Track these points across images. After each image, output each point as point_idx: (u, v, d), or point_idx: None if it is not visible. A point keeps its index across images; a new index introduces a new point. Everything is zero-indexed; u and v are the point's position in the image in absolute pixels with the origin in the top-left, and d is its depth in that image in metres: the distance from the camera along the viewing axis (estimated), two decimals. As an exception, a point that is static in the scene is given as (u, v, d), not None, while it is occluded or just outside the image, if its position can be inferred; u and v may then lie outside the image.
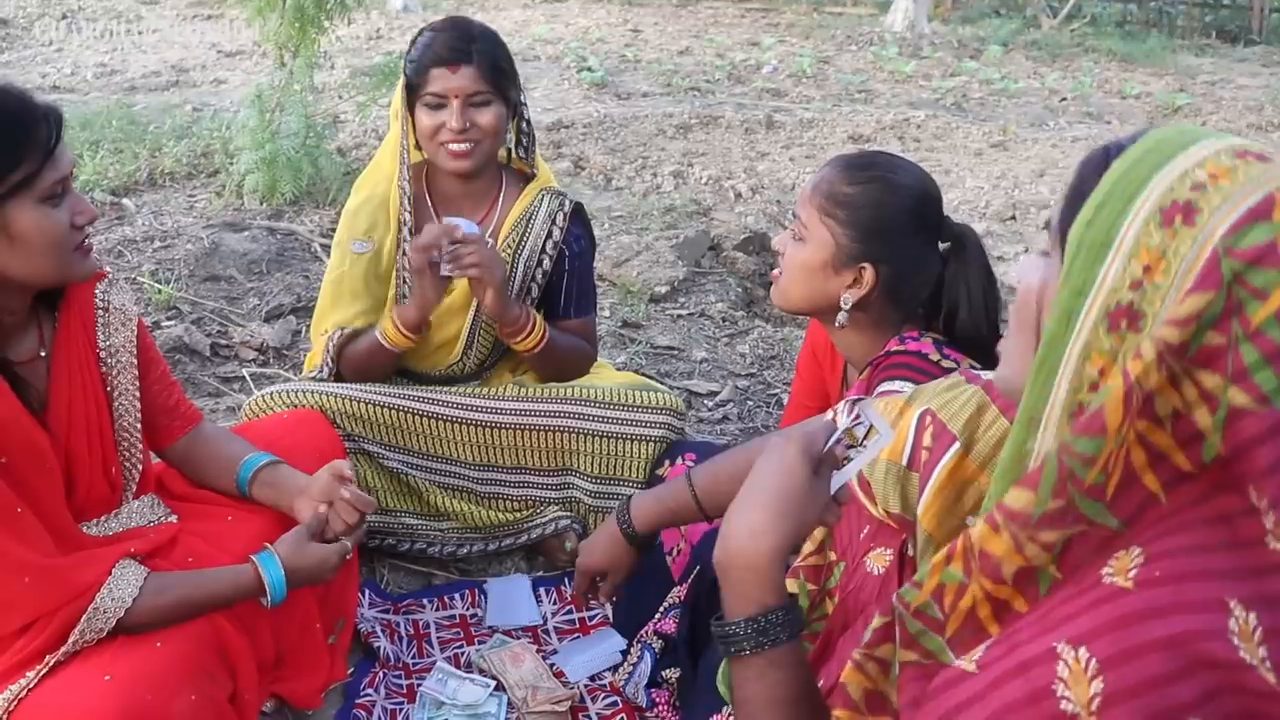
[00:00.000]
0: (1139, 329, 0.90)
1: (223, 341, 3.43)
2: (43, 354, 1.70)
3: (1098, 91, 8.54)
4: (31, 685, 1.51)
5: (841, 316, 1.91)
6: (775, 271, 1.98)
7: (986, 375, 1.39)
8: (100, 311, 1.79)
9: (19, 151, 1.50)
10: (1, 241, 1.53)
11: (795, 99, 7.51)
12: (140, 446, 1.82)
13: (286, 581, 1.76)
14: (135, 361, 1.84)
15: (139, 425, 1.82)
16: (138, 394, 1.83)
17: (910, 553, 1.31)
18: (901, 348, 1.88)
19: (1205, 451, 0.88)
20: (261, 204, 4.52)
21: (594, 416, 2.47)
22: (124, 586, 1.59)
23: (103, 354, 1.79)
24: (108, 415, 1.78)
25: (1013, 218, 5.26)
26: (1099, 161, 0.97)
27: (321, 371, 2.46)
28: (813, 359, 2.24)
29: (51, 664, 1.53)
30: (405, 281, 2.47)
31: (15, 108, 1.52)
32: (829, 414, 1.45)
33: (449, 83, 2.30)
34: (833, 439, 1.21)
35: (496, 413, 2.47)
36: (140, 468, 1.83)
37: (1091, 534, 0.91)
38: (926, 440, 1.35)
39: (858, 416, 1.24)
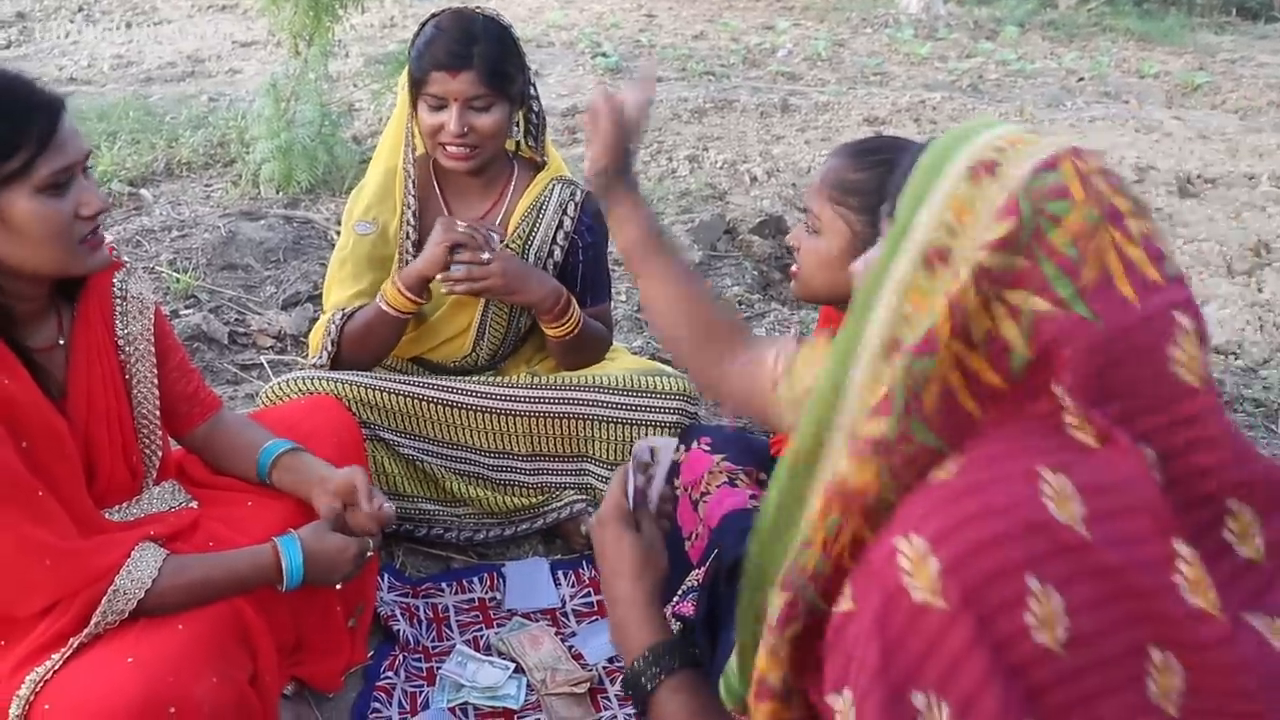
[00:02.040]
0: (950, 264, 1.02)
1: (240, 329, 3.45)
2: (61, 342, 1.70)
3: (1115, 71, 8.47)
4: (56, 668, 1.52)
5: None
6: (794, 268, 1.99)
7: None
8: (118, 300, 1.80)
9: (15, 139, 1.49)
10: (1, 230, 1.52)
11: (810, 82, 7.47)
12: (160, 434, 1.83)
13: (305, 567, 1.77)
14: (153, 350, 1.84)
15: (158, 413, 1.83)
16: (156, 382, 1.84)
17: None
18: None
19: (1014, 362, 0.99)
20: (278, 193, 4.54)
21: (607, 403, 2.48)
22: (143, 568, 1.60)
23: (121, 342, 1.79)
24: (126, 403, 1.79)
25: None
26: (917, 151, 1.12)
27: (321, 357, 2.45)
28: (827, 340, 2.24)
29: (75, 646, 1.54)
30: (408, 264, 2.47)
31: (14, 96, 1.51)
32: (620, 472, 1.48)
33: (448, 86, 2.26)
34: (631, 491, 1.37)
35: (511, 400, 2.48)
36: (160, 455, 1.84)
37: (921, 455, 1.01)
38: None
39: (647, 461, 1.40)
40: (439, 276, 2.33)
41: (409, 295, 2.33)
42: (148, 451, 1.82)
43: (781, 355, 1.51)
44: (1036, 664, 0.91)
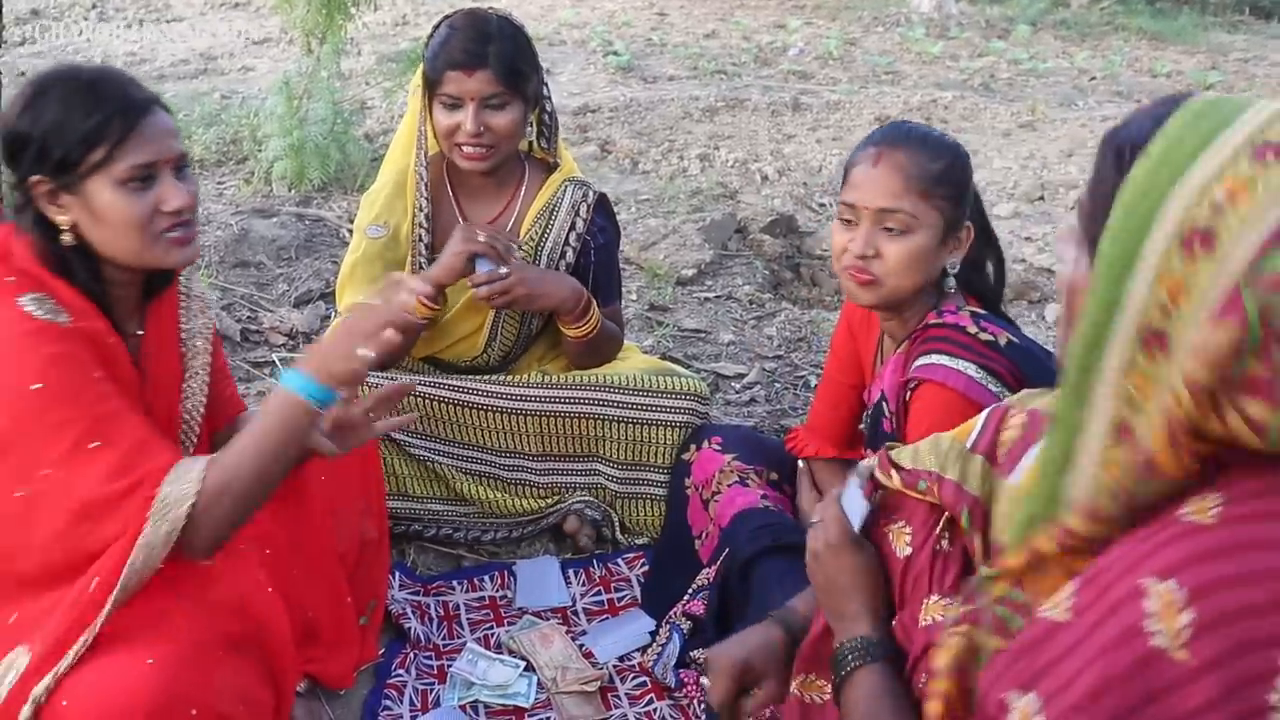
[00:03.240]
0: (1169, 353, 0.89)
1: (253, 327, 3.46)
2: (139, 333, 1.76)
3: (1128, 70, 8.44)
4: (80, 652, 1.51)
5: (950, 281, 1.93)
6: (865, 276, 1.89)
7: (984, 435, 1.39)
8: (182, 297, 1.86)
9: (98, 132, 1.57)
10: (87, 215, 1.60)
11: (822, 81, 7.46)
12: (198, 431, 1.86)
13: (323, 372, 1.63)
14: (209, 348, 1.89)
15: (202, 408, 1.86)
16: (207, 379, 1.87)
17: (965, 525, 1.33)
18: (939, 321, 1.89)
19: (1271, 438, 0.87)
20: (290, 190, 4.55)
21: (618, 403, 2.48)
22: (188, 470, 1.56)
23: (183, 336, 1.85)
24: (178, 395, 1.82)
25: (1041, 198, 5.22)
26: (1115, 153, 0.97)
27: None
28: (848, 336, 2.23)
29: (110, 609, 1.51)
30: (421, 267, 2.47)
31: (104, 92, 1.59)
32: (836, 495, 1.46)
33: (464, 85, 2.27)
34: (860, 511, 1.41)
35: (522, 400, 2.49)
36: (193, 450, 1.85)
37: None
38: (1009, 431, 1.35)
39: (873, 485, 1.43)
40: (471, 291, 2.33)
41: (427, 303, 2.34)
42: (185, 445, 1.84)
43: (830, 499, 1.46)
44: None
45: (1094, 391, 0.95)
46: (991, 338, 1.85)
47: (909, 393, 1.89)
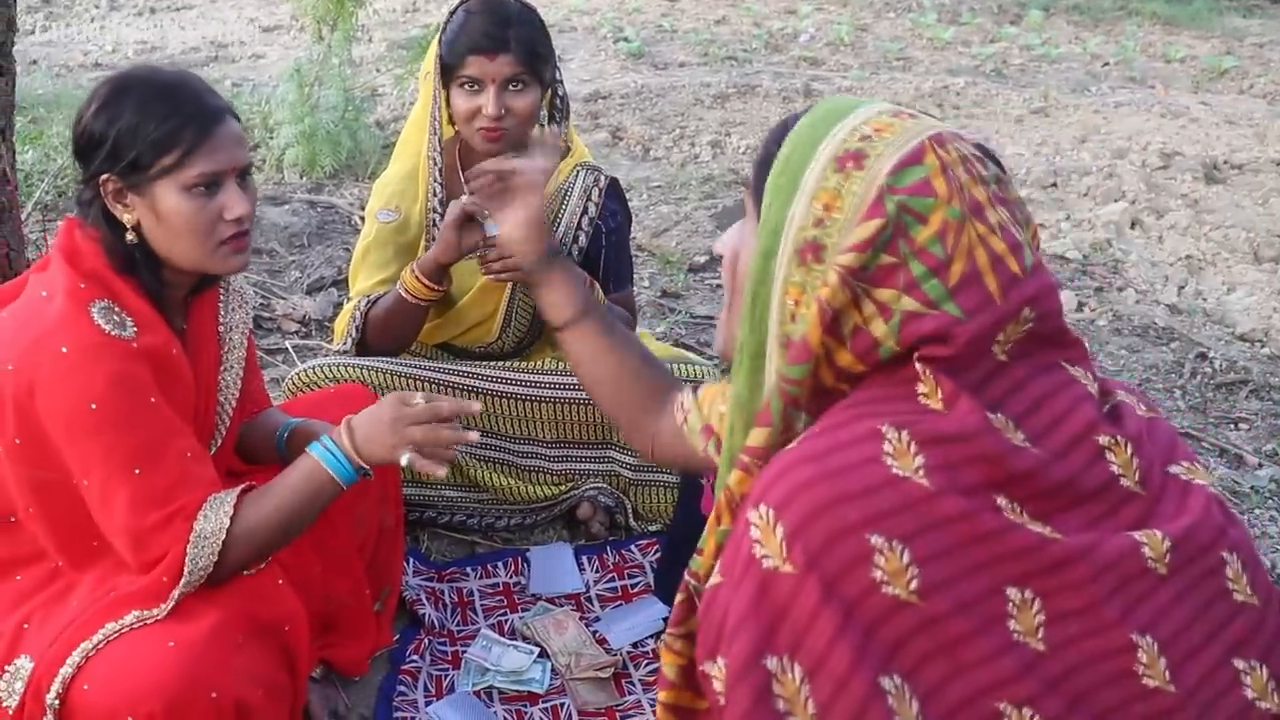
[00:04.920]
0: (823, 260, 1.07)
1: (265, 314, 3.47)
2: (184, 327, 1.79)
3: (1141, 56, 8.38)
4: (100, 645, 1.55)
5: None
6: None
7: None
8: (223, 291, 1.89)
9: (172, 138, 1.59)
10: (151, 217, 1.63)
11: (833, 67, 7.43)
12: (228, 423, 1.87)
13: (357, 454, 1.70)
14: (246, 343, 1.92)
15: (234, 401, 1.88)
16: (241, 373, 1.90)
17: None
18: None
19: (881, 355, 1.06)
20: (301, 177, 4.55)
21: (633, 388, 2.47)
22: (219, 506, 1.62)
23: (222, 329, 1.87)
24: (214, 387, 1.84)
25: (1054, 184, 5.19)
26: (780, 130, 1.16)
27: (345, 343, 2.46)
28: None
29: (170, 606, 1.58)
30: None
31: (179, 99, 1.62)
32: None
33: (486, 68, 2.27)
34: None
35: (537, 386, 2.49)
36: (222, 442, 1.87)
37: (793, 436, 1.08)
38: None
39: None
40: (481, 270, 2.33)
41: (427, 283, 2.33)
42: (216, 434, 1.86)
43: (684, 400, 1.55)
44: (892, 616, 0.96)
45: (766, 319, 1.12)
46: None
47: None
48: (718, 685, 1.02)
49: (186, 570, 1.58)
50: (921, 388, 1.04)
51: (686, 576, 1.15)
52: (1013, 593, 0.98)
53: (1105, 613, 1.00)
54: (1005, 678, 0.97)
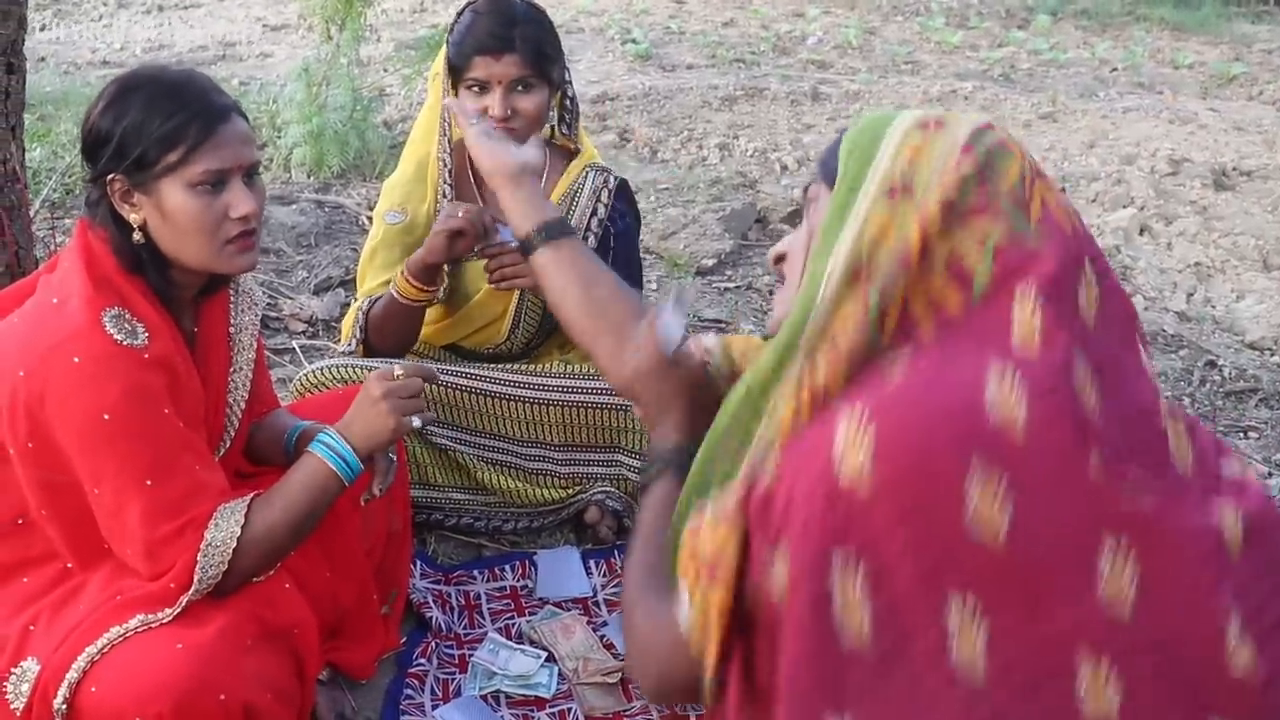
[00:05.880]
0: (913, 195, 1.14)
1: (272, 314, 3.46)
2: (195, 330, 1.78)
3: (1149, 61, 8.36)
4: (105, 649, 1.54)
5: None
6: None
7: None
8: (233, 292, 1.88)
9: (176, 135, 1.59)
10: (157, 215, 1.63)
11: (841, 70, 7.42)
12: (237, 424, 1.87)
13: (350, 446, 1.71)
14: (255, 344, 1.91)
15: (244, 402, 1.87)
16: (251, 374, 1.89)
17: None
18: None
19: (975, 288, 1.11)
20: (309, 177, 4.55)
21: (640, 393, 2.46)
22: (229, 516, 1.63)
23: (232, 330, 1.86)
24: (224, 389, 1.84)
25: (1062, 190, 5.18)
26: (838, 142, 1.24)
27: (351, 344, 2.46)
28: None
29: (178, 608, 1.59)
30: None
31: (185, 97, 1.62)
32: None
33: (492, 69, 2.26)
34: (674, 343, 1.50)
35: (544, 389, 2.48)
36: (230, 444, 1.86)
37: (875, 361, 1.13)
38: None
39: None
40: (488, 280, 2.32)
41: (416, 284, 2.32)
42: (226, 435, 1.85)
43: (707, 342, 1.54)
44: (972, 555, 1.00)
45: (838, 243, 1.16)
46: None
47: None
48: (778, 583, 1.07)
49: (196, 579, 1.58)
50: (1017, 329, 1.08)
51: (753, 463, 1.16)
52: (1109, 540, 1.02)
53: (1193, 579, 1.02)
54: (1086, 631, 1.00)
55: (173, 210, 1.61)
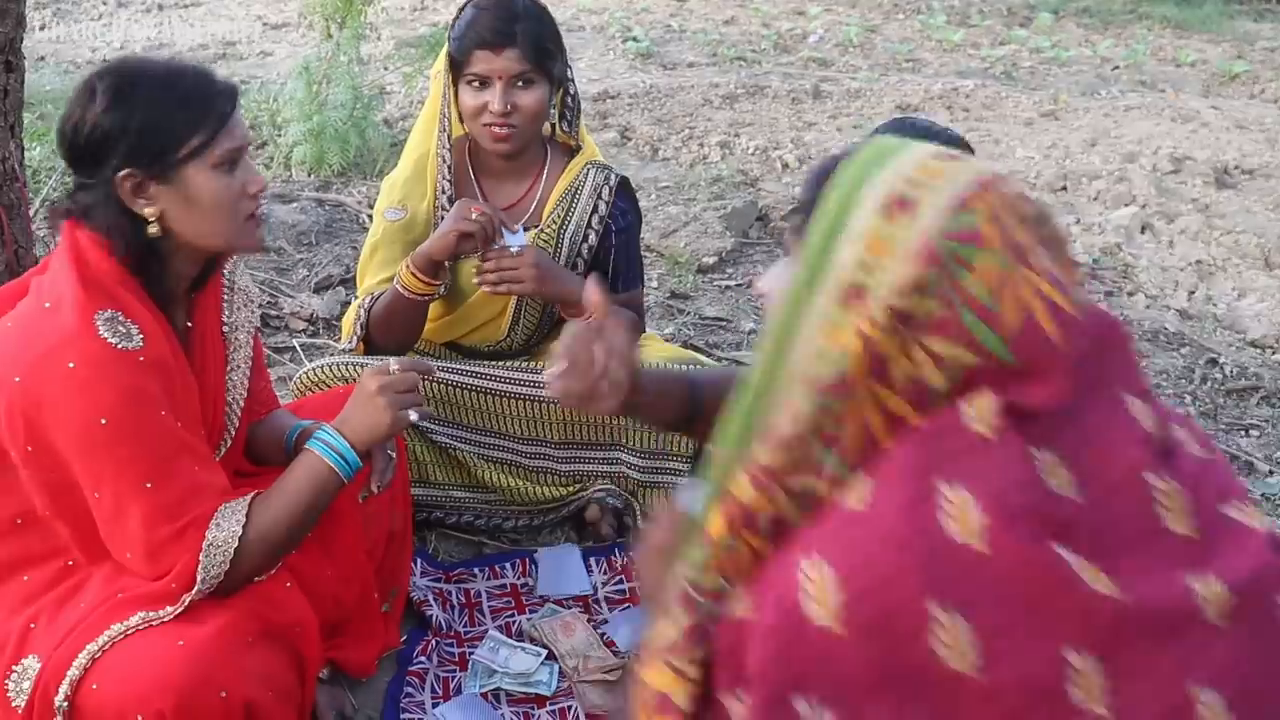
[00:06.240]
0: (865, 302, 1.03)
1: (273, 312, 3.46)
2: (189, 324, 1.78)
3: (1151, 59, 8.35)
4: (106, 646, 1.54)
5: None
6: None
7: None
8: (227, 290, 1.88)
9: (199, 119, 1.60)
10: (180, 202, 1.62)
11: (842, 68, 7.41)
12: (237, 423, 1.87)
13: (348, 442, 1.71)
14: (252, 341, 1.91)
15: (242, 400, 1.87)
16: (248, 372, 1.89)
17: None
18: None
19: (932, 399, 1.04)
20: (309, 175, 4.54)
21: (641, 391, 2.46)
22: (230, 515, 1.62)
23: (226, 329, 1.86)
24: (222, 387, 1.84)
25: (1064, 188, 5.17)
26: (822, 172, 1.15)
27: (352, 341, 2.45)
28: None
29: (180, 608, 1.59)
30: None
31: (198, 82, 1.63)
32: None
33: (492, 64, 2.27)
34: None
35: (544, 387, 2.46)
36: (231, 442, 1.86)
37: (828, 481, 1.07)
38: None
39: None
40: (476, 279, 2.32)
41: (420, 277, 2.32)
42: (226, 434, 1.85)
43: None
44: (952, 687, 0.95)
45: (790, 354, 1.08)
46: None
47: None
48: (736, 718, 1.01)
49: (199, 579, 1.58)
50: (969, 411, 1.02)
51: (687, 588, 1.12)
52: (1073, 657, 0.96)
53: (1162, 667, 0.98)
54: None
55: (199, 194, 1.61)
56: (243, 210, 1.67)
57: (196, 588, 1.58)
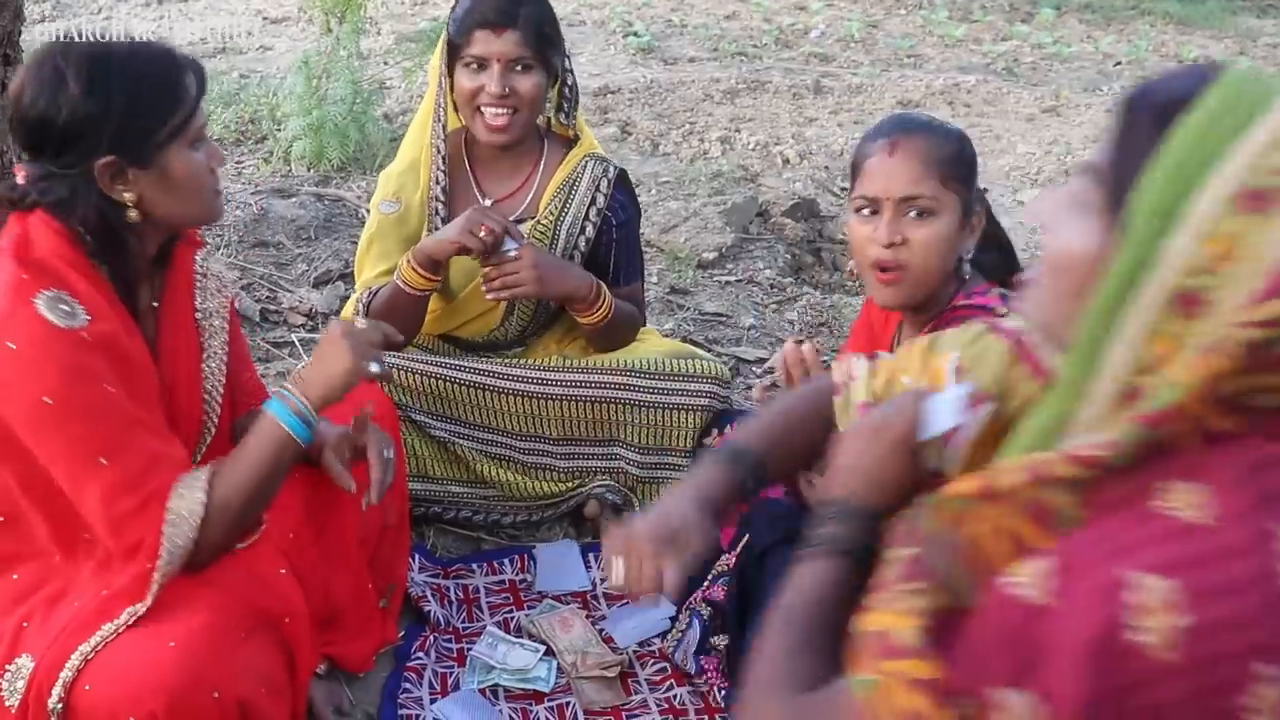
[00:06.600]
0: (1205, 316, 0.86)
1: (272, 307, 3.45)
2: (155, 304, 1.77)
3: (1154, 56, 8.33)
4: (108, 639, 1.54)
5: (966, 268, 1.89)
6: (891, 273, 1.84)
7: (1010, 324, 1.37)
8: (199, 276, 1.87)
9: (174, 101, 1.61)
10: (160, 184, 1.62)
11: (843, 64, 7.40)
12: (218, 411, 1.85)
13: (305, 399, 1.69)
14: (227, 328, 1.90)
15: (221, 389, 1.86)
16: (225, 358, 1.88)
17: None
18: (968, 302, 1.85)
19: (1269, 419, 0.87)
20: (309, 170, 4.53)
21: (639, 387, 2.45)
22: (192, 485, 1.60)
23: (199, 315, 1.85)
24: (198, 376, 1.82)
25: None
26: (1154, 113, 0.92)
27: None
28: (868, 326, 2.20)
29: (142, 610, 1.57)
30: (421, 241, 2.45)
31: (169, 62, 1.63)
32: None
33: (491, 46, 2.26)
34: (937, 429, 1.24)
35: (543, 383, 2.46)
36: (214, 430, 1.84)
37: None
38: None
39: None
40: (483, 288, 2.31)
41: (422, 272, 2.31)
42: (206, 425, 1.83)
43: (852, 367, 1.46)
44: None
45: (1110, 355, 0.92)
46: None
47: None
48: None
49: (165, 551, 1.56)
50: None
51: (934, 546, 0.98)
52: None
53: None
54: None
55: (179, 173, 1.62)
56: (211, 185, 1.69)
57: (164, 559, 1.55)
